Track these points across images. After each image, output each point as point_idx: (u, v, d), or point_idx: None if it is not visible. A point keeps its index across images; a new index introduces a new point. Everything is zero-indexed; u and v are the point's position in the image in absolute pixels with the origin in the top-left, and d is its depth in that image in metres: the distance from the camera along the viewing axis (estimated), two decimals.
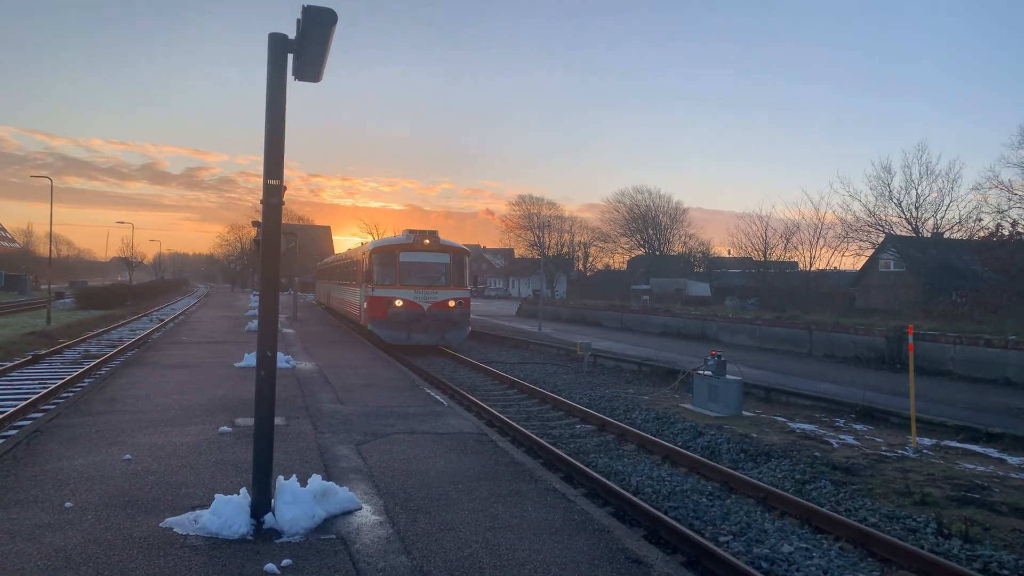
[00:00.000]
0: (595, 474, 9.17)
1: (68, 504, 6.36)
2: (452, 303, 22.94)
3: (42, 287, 65.98)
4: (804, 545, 7.15)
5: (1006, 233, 34.70)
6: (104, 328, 31.18)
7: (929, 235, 44.80)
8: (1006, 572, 6.56)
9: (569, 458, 9.95)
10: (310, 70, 6.04)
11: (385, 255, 23.35)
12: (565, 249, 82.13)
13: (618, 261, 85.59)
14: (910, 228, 45.57)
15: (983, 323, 24.28)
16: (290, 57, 5.95)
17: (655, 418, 13.34)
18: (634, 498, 8.19)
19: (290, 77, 6.03)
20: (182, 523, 5.94)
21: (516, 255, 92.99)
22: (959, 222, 43.93)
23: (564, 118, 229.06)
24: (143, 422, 9.94)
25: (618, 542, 6.01)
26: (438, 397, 13.05)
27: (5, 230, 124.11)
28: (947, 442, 11.77)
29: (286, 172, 6.10)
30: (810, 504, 8.13)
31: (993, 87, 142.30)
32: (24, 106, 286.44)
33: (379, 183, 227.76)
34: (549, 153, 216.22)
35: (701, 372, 14.44)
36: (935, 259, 42.77)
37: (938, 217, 44.59)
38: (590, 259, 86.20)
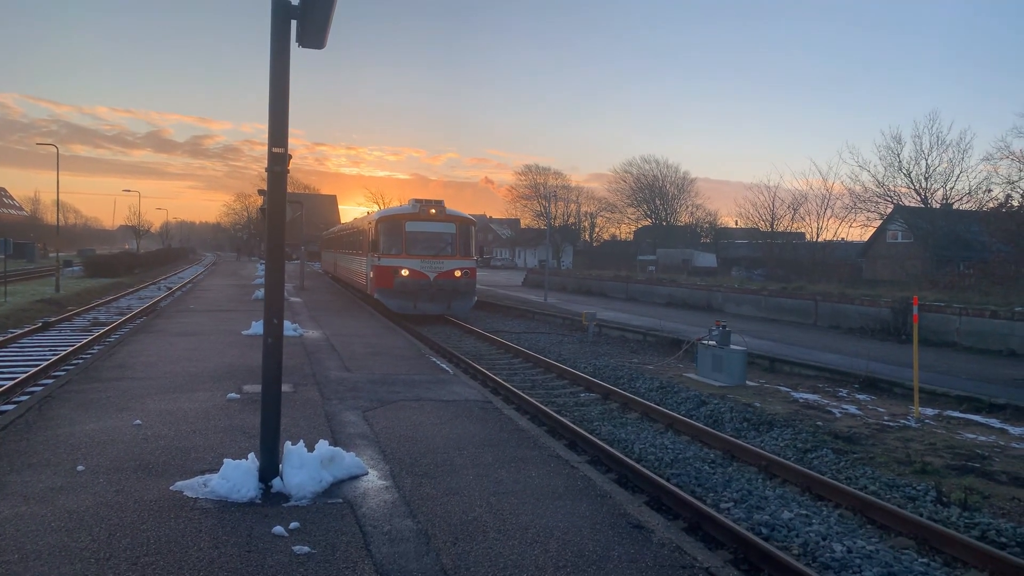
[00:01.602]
0: (598, 441, 9.27)
1: (80, 468, 6.48)
2: (458, 273, 22.91)
3: (50, 255, 66.35)
4: (804, 512, 7.24)
5: (1016, 204, 34.39)
6: (112, 296, 31.39)
7: (938, 206, 44.41)
8: (1004, 540, 6.64)
9: (573, 425, 10.05)
10: (314, 36, 5.99)
11: (391, 224, 23.29)
12: (571, 219, 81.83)
13: (624, 232, 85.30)
14: (919, 199, 45.19)
15: (990, 294, 24.19)
16: (293, 23, 5.91)
17: (659, 387, 13.42)
18: (637, 465, 8.29)
19: (294, 44, 5.98)
20: (192, 487, 6.05)
21: (522, 225, 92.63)
22: (969, 193, 43.53)
23: (571, 87, 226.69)
24: (152, 388, 10.07)
25: (620, 507, 6.10)
26: (444, 365, 13.15)
27: (12, 198, 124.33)
28: (949, 412, 11.83)
29: (291, 140, 6.10)
30: (811, 472, 8.21)
31: (1006, 55, 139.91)
32: (28, 73, 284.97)
33: (384, 152, 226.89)
34: (556, 123, 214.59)
35: (706, 342, 14.49)
36: (943, 230, 42.46)
37: (947, 188, 44.17)
38: (596, 229, 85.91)
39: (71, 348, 15.61)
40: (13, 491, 5.85)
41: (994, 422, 11.23)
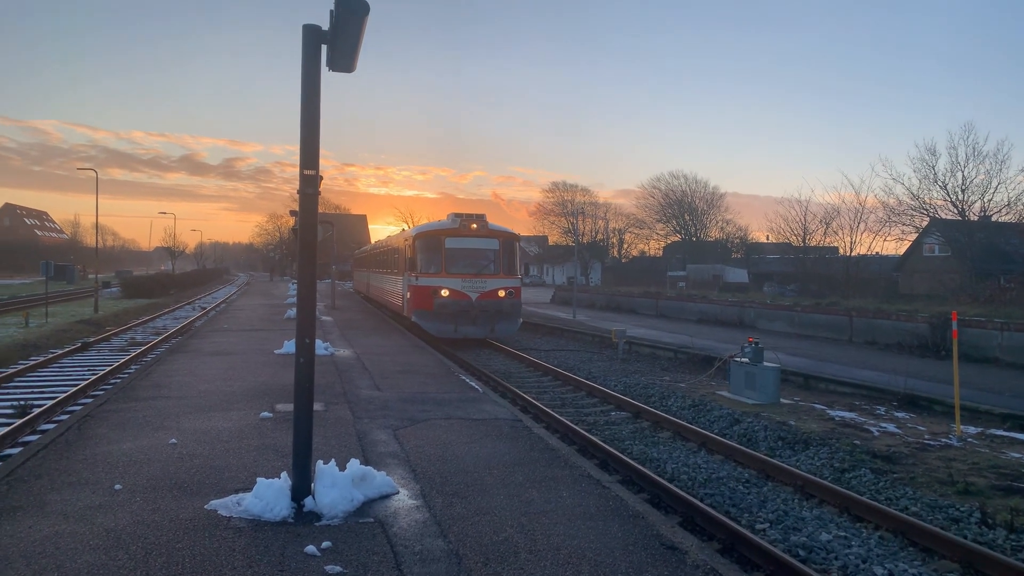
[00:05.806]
0: (630, 461, 9.17)
1: (118, 486, 6.59)
2: (502, 293, 20.97)
3: (89, 276, 67.95)
4: (843, 534, 7.08)
5: None
6: (149, 316, 32.00)
7: (976, 218, 43.47)
8: None
9: (604, 444, 9.96)
10: (344, 61, 6.09)
11: (429, 241, 21.35)
12: (599, 236, 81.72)
13: (654, 248, 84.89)
14: (956, 211, 44.26)
15: None
16: (324, 48, 6.02)
17: (691, 405, 13.26)
18: (669, 485, 8.18)
19: (324, 68, 6.10)
20: (226, 505, 6.11)
21: (550, 242, 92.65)
22: (1008, 204, 42.56)
23: (597, 104, 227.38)
24: (187, 407, 10.21)
25: (653, 528, 6.02)
26: (473, 384, 13.15)
27: (53, 221, 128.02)
28: (993, 430, 11.50)
29: (321, 162, 6.18)
30: (849, 492, 8.02)
31: None
32: (67, 100, 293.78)
33: (412, 171, 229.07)
34: (581, 139, 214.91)
35: (738, 359, 14.29)
36: (982, 243, 41.53)
37: (985, 200, 43.23)
38: (625, 246, 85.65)
39: (109, 368, 15.92)
40: (53, 509, 5.96)
41: None
